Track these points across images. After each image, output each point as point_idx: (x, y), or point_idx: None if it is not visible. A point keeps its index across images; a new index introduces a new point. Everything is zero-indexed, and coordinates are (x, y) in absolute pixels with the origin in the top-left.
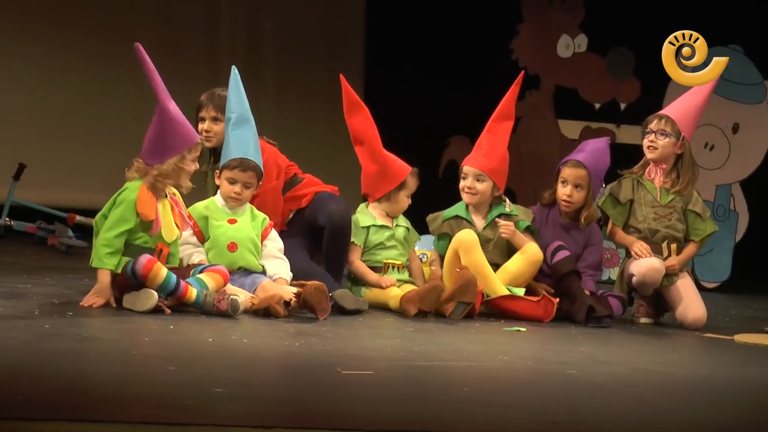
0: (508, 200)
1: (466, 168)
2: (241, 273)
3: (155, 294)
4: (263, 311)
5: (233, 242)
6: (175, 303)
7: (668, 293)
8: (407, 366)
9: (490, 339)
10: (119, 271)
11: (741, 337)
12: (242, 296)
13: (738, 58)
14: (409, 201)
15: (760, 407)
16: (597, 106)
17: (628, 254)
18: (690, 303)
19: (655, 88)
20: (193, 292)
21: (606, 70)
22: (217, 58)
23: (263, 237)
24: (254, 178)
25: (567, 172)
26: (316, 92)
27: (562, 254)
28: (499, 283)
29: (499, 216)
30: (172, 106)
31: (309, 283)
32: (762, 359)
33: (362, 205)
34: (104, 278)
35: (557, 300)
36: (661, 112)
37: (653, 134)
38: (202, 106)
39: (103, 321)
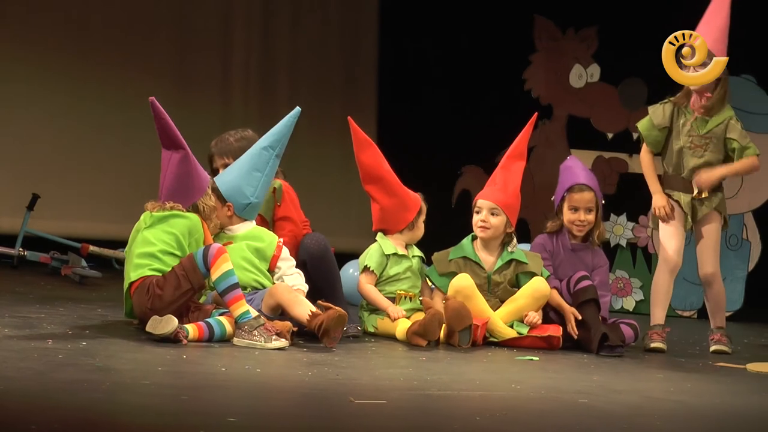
0: (515, 239)
1: (481, 202)
2: (248, 293)
3: (175, 320)
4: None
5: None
6: (198, 337)
7: (695, 232)
8: (420, 395)
9: (502, 368)
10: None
11: (753, 366)
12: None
13: (750, 88)
14: (423, 228)
15: None
16: (610, 136)
17: None
18: (703, 258)
19: None
20: (242, 308)
21: (618, 100)
22: (231, 91)
23: (275, 258)
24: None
25: (576, 198)
26: (330, 127)
27: (585, 283)
28: (503, 325)
29: (508, 262)
30: (191, 153)
31: (335, 309)
32: None
33: (380, 235)
34: None
35: (561, 332)
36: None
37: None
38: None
39: (117, 350)
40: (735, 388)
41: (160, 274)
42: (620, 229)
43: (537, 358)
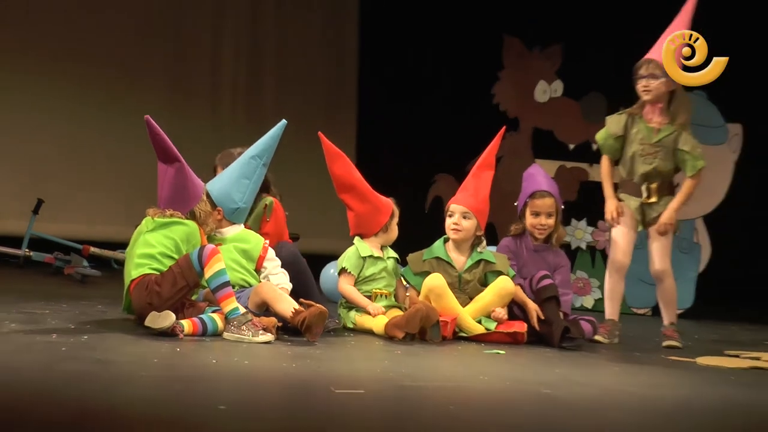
0: (484, 241)
1: (454, 206)
2: (235, 291)
3: (173, 315)
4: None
5: None
6: (192, 332)
7: (649, 234)
8: (396, 386)
9: (471, 361)
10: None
11: (703, 360)
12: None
13: (702, 103)
14: (396, 230)
15: (717, 424)
16: (571, 146)
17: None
18: (653, 257)
19: None
20: (231, 305)
21: (580, 114)
22: (220, 98)
23: (261, 258)
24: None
25: (538, 204)
26: (313, 136)
27: (546, 282)
28: (471, 321)
29: (478, 261)
30: (186, 165)
31: (316, 306)
32: (721, 380)
33: (357, 239)
34: None
35: (525, 328)
36: (646, 56)
37: (644, 79)
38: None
39: (116, 344)
40: (685, 380)
41: (159, 273)
42: (581, 233)
43: (503, 352)
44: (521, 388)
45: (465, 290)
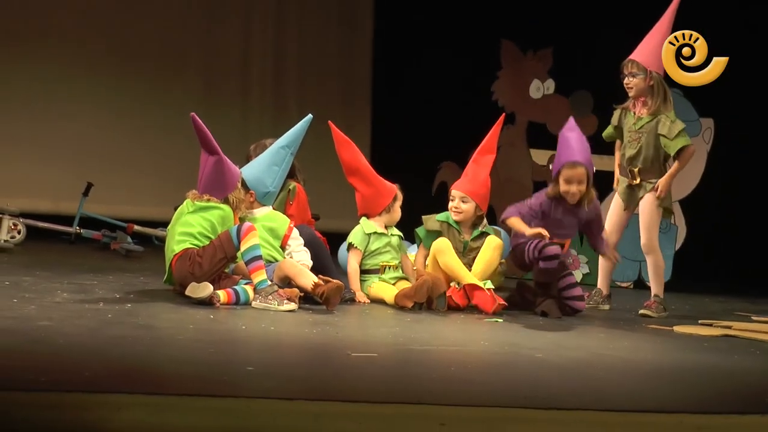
0: (485, 221)
1: (454, 191)
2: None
3: (210, 286)
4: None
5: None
6: (227, 301)
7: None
8: (405, 350)
9: (472, 328)
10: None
11: (679, 328)
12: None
13: (678, 99)
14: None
15: (692, 384)
16: None
17: None
18: (640, 233)
19: (609, 124)
20: (261, 276)
21: (570, 109)
22: (249, 97)
23: (286, 237)
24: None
25: (569, 174)
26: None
27: (553, 249)
28: (468, 273)
29: (481, 233)
30: (224, 157)
31: (333, 281)
32: (696, 346)
33: (363, 218)
34: None
35: (505, 304)
36: (629, 57)
37: (626, 77)
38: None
39: (156, 311)
40: (664, 346)
41: (200, 247)
42: None
43: (501, 320)
44: (516, 351)
45: (468, 256)
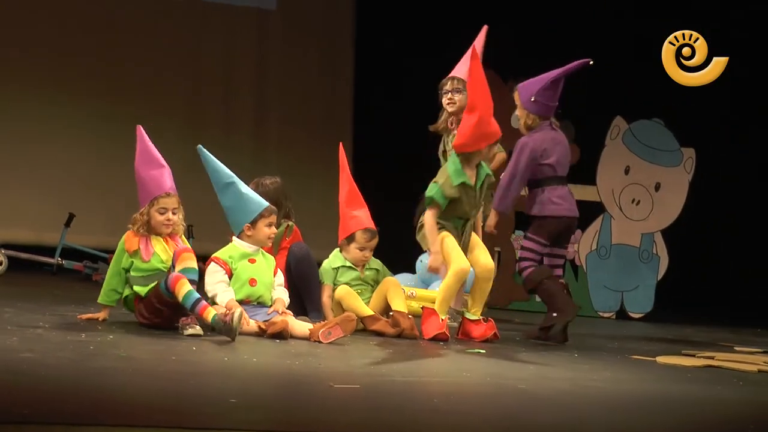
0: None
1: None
2: (256, 306)
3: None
4: (277, 335)
5: (253, 278)
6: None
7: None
8: (388, 381)
9: (455, 359)
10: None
11: (662, 359)
12: (252, 322)
13: (659, 129)
14: (362, 254)
15: (675, 415)
16: None
17: None
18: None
19: (591, 154)
20: (210, 313)
21: None
22: (232, 124)
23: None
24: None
25: None
26: (313, 154)
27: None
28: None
29: (483, 179)
30: (143, 171)
31: (343, 315)
32: (679, 377)
33: (336, 251)
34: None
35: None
36: (451, 74)
37: (450, 93)
38: None
39: (138, 343)
40: (647, 376)
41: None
42: None
43: (484, 351)
44: (499, 383)
45: (480, 203)
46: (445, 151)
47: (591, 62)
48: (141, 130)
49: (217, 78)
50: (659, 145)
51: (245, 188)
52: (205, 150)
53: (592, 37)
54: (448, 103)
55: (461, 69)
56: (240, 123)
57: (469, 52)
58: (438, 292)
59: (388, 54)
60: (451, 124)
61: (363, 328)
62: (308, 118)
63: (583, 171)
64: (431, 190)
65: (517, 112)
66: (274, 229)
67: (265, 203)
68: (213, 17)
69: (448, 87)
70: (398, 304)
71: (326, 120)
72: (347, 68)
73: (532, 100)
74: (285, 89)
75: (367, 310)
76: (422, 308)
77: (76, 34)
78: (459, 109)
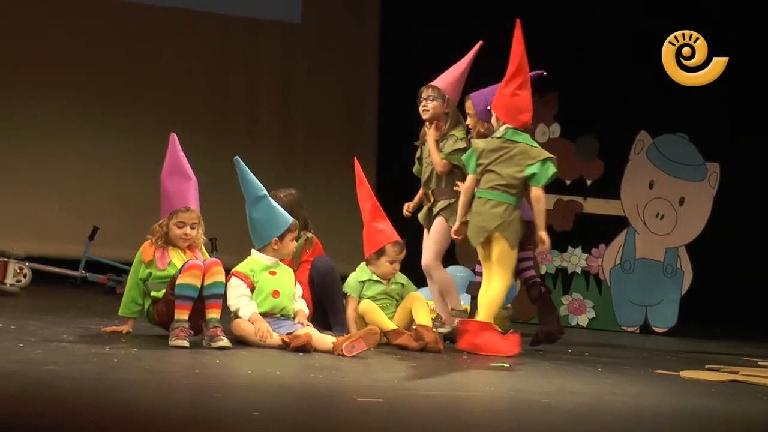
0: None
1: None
2: (279, 318)
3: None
4: (300, 348)
5: (276, 290)
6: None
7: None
8: (411, 395)
9: (479, 373)
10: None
11: (686, 374)
12: (276, 335)
13: (684, 144)
14: (392, 267)
15: (699, 429)
16: (567, 182)
17: None
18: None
19: (615, 168)
20: (212, 313)
21: (575, 153)
22: (257, 138)
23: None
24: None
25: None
26: (337, 169)
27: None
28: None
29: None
30: (168, 182)
31: (366, 329)
32: (702, 391)
33: (362, 264)
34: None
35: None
36: (429, 84)
37: (425, 101)
38: None
39: (162, 356)
40: (671, 391)
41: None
42: (576, 259)
43: (508, 365)
44: (523, 397)
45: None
46: (421, 158)
47: (545, 73)
48: (174, 139)
49: (241, 92)
50: (684, 160)
51: (275, 202)
52: (241, 162)
53: (617, 52)
54: (423, 110)
55: (441, 79)
56: (265, 137)
57: (459, 65)
58: (486, 306)
59: (413, 68)
60: (436, 129)
61: (386, 342)
62: (333, 132)
63: (608, 185)
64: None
65: (469, 121)
66: (295, 243)
67: (291, 218)
68: (238, 31)
69: (423, 95)
70: (423, 318)
71: (351, 133)
72: (372, 81)
73: (488, 108)
74: (310, 102)
75: (391, 324)
76: (460, 323)
77: (100, 51)
78: (432, 116)
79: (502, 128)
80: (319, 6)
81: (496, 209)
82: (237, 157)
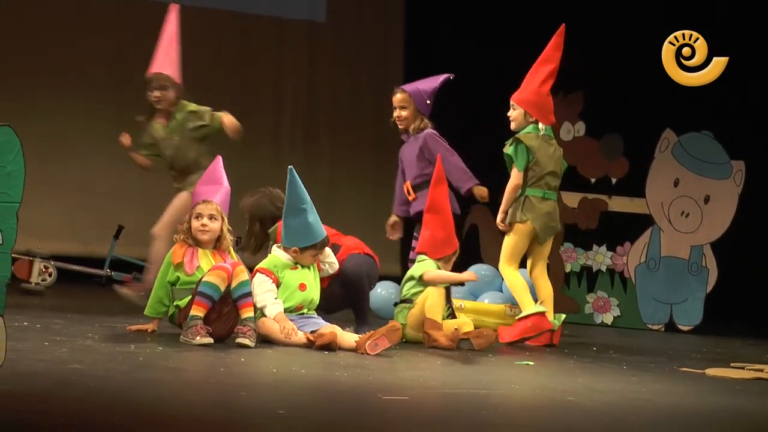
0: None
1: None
2: (304, 317)
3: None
4: (325, 346)
5: (303, 283)
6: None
7: None
8: (436, 393)
9: (503, 371)
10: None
11: (711, 371)
12: (300, 333)
13: (708, 142)
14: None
15: (724, 427)
16: (592, 180)
17: None
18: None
19: (641, 166)
20: (248, 312)
21: (600, 152)
22: (281, 138)
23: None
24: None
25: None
26: (363, 170)
27: None
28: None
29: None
30: (199, 186)
31: (389, 325)
32: (728, 390)
33: (420, 256)
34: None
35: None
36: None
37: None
38: None
39: (187, 354)
40: (696, 389)
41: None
42: (601, 257)
43: (532, 363)
44: (548, 395)
45: None
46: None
47: (452, 77)
48: (218, 160)
49: (267, 91)
50: (709, 158)
51: (313, 217)
52: (295, 172)
53: (642, 50)
54: (154, 100)
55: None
56: (289, 136)
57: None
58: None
59: (438, 67)
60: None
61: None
62: (358, 132)
63: (632, 183)
64: None
65: (404, 113)
66: (315, 258)
67: (322, 236)
68: (262, 30)
69: (154, 84)
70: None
71: (376, 132)
72: (397, 80)
73: (428, 102)
74: (335, 102)
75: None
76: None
77: (127, 51)
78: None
79: (540, 125)
80: (344, 5)
81: (557, 209)
82: (291, 166)
